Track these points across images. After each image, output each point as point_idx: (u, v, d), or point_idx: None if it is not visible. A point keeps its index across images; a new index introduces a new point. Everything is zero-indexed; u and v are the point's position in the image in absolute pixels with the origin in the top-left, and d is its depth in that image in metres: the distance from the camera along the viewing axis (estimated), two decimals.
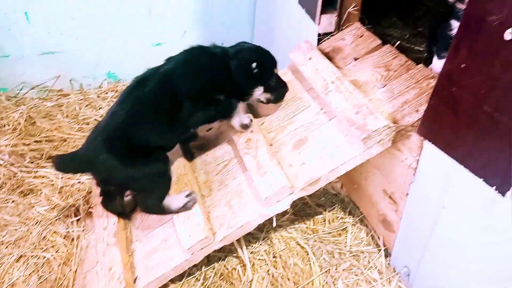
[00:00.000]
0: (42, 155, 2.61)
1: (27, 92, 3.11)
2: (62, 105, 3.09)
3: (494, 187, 1.24)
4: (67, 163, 1.90)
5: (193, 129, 2.03)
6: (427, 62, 2.01)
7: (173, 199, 1.86)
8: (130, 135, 1.79)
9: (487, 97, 1.21)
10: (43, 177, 2.48)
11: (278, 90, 2.01)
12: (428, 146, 1.49)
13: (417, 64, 1.87)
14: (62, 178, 2.43)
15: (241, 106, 1.97)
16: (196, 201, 1.85)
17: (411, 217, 1.74)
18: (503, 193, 1.22)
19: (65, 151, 2.64)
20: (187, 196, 1.85)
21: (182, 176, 2.01)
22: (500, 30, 1.14)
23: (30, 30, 2.92)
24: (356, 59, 1.99)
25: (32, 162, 2.54)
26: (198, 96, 1.85)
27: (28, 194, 2.38)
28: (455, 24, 1.78)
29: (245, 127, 1.97)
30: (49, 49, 3.03)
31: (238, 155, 1.99)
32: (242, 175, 1.93)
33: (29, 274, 1.95)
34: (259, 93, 1.96)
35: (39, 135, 2.77)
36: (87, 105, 3.10)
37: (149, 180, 1.85)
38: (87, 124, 2.91)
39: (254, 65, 1.87)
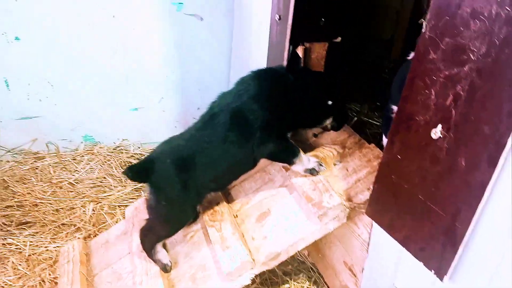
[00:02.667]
0: (12, 221, 2.61)
1: (2, 156, 3.15)
2: (37, 168, 3.12)
3: (433, 271, 1.32)
4: (139, 172, 1.87)
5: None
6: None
7: (163, 253, 1.98)
8: (192, 170, 1.84)
9: (420, 186, 1.32)
10: (11, 244, 2.47)
11: (342, 118, 2.06)
12: (377, 225, 1.58)
13: (373, 139, 2.01)
14: (30, 246, 2.43)
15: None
16: (169, 270, 1.96)
17: None
18: (440, 277, 1.29)
19: (35, 217, 2.65)
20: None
21: None
22: (427, 129, 1.27)
23: (9, 96, 3.01)
24: (315, 135, 2.12)
25: (1, 230, 2.54)
26: (270, 126, 1.84)
27: None
28: (394, 108, 1.91)
29: (312, 171, 1.90)
30: (27, 114, 3.11)
31: (204, 226, 2.05)
32: (207, 248, 1.97)
33: None
34: (329, 121, 2.02)
35: (11, 200, 2.79)
36: (61, 168, 3.14)
37: (174, 214, 1.94)
38: (60, 188, 2.94)
39: (330, 102, 1.95)
